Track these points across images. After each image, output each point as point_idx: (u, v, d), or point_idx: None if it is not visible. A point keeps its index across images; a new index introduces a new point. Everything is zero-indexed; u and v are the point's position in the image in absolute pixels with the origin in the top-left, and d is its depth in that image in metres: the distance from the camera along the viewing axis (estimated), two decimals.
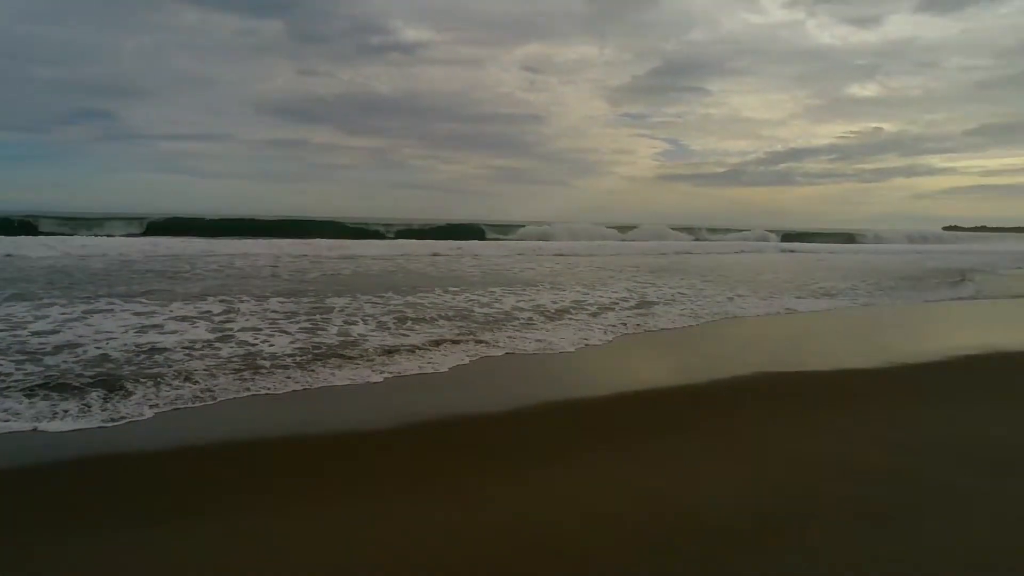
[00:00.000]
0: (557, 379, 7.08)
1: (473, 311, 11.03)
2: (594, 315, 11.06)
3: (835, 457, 4.53)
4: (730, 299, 13.78)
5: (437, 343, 8.30)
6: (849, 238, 61.95)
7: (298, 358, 7.32)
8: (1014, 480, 4.15)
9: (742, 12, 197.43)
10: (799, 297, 14.65)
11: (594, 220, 56.31)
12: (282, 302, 11.38)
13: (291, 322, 9.44)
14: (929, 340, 10.13)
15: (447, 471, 4.20)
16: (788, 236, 59.01)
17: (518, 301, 12.39)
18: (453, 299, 12.41)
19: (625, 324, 10.23)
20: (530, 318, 10.50)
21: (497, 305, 11.83)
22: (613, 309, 11.75)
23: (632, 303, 12.70)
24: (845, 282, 18.58)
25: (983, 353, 8.58)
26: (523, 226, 52.54)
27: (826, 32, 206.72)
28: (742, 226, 60.60)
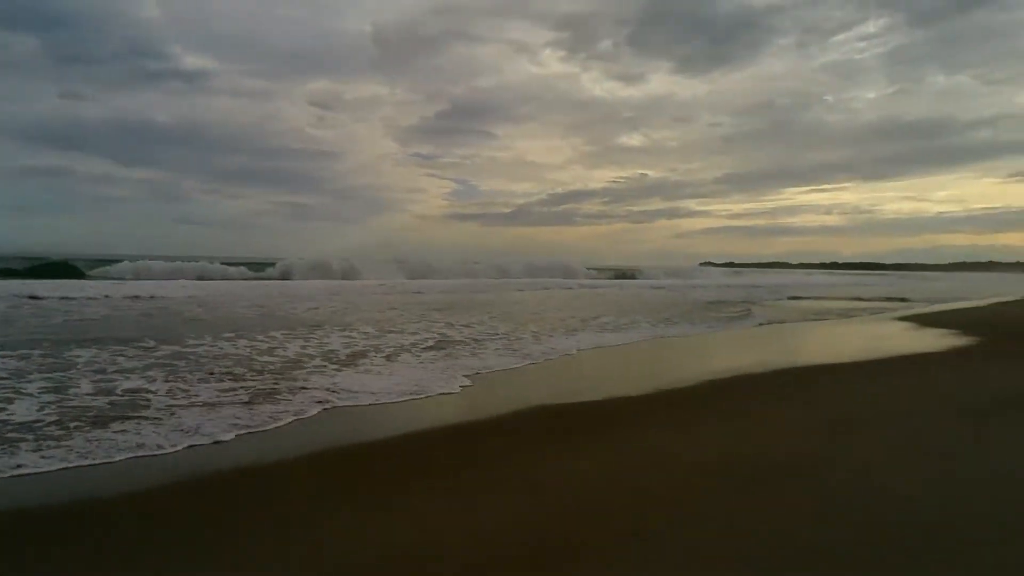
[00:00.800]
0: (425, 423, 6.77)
1: (273, 357, 10.29)
2: (416, 356, 10.98)
3: (604, 482, 4.72)
4: (536, 336, 14.24)
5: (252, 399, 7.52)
6: (621, 274, 67.74)
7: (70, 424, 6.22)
8: (762, 490, 4.50)
9: (525, 63, 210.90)
10: (611, 331, 15.60)
11: (390, 257, 55.41)
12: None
13: (25, 382, 8.06)
14: (693, 367, 11.19)
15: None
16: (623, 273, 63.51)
17: (305, 346, 11.77)
18: (233, 347, 11.45)
19: (453, 366, 10.16)
20: (324, 363, 9.99)
21: (285, 351, 11.12)
22: (412, 351, 11.62)
23: (431, 343, 12.65)
24: (653, 315, 20.50)
25: (726, 377, 9.67)
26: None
27: (598, 86, 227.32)
28: (527, 263, 63.45)
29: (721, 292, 38.49)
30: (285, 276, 43.00)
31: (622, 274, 66.90)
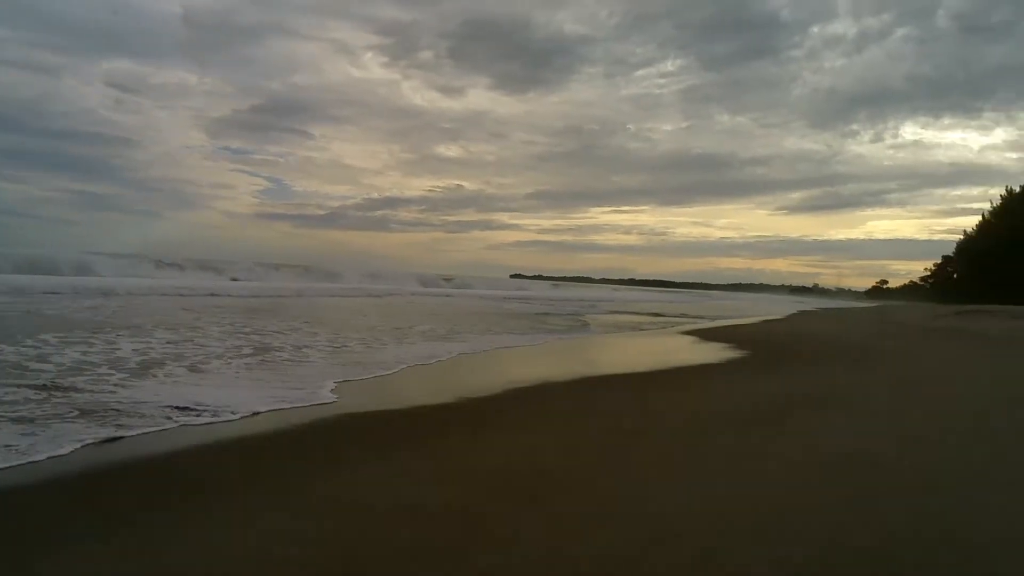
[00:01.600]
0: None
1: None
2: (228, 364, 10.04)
3: (405, 497, 4.66)
4: (369, 345, 13.82)
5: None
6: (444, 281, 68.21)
7: None
8: (545, 508, 4.52)
9: (345, 64, 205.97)
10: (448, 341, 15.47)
11: (193, 256, 51.24)
12: None
13: None
14: (504, 376, 11.51)
15: None
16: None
17: (86, 353, 10.49)
18: None
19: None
20: (113, 372, 8.94)
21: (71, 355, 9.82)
22: (225, 357, 10.81)
23: (248, 351, 11.83)
24: (496, 325, 20.92)
25: (533, 384, 10.12)
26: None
27: (418, 95, 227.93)
28: (340, 268, 61.81)
29: (548, 304, 40.23)
30: None
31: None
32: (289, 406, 7.60)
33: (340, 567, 3.49)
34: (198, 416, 6.83)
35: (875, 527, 4.11)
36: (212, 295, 29.17)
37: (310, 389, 8.61)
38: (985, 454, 6.12)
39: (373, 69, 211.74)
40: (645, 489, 4.98)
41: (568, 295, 64.08)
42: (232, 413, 7.00)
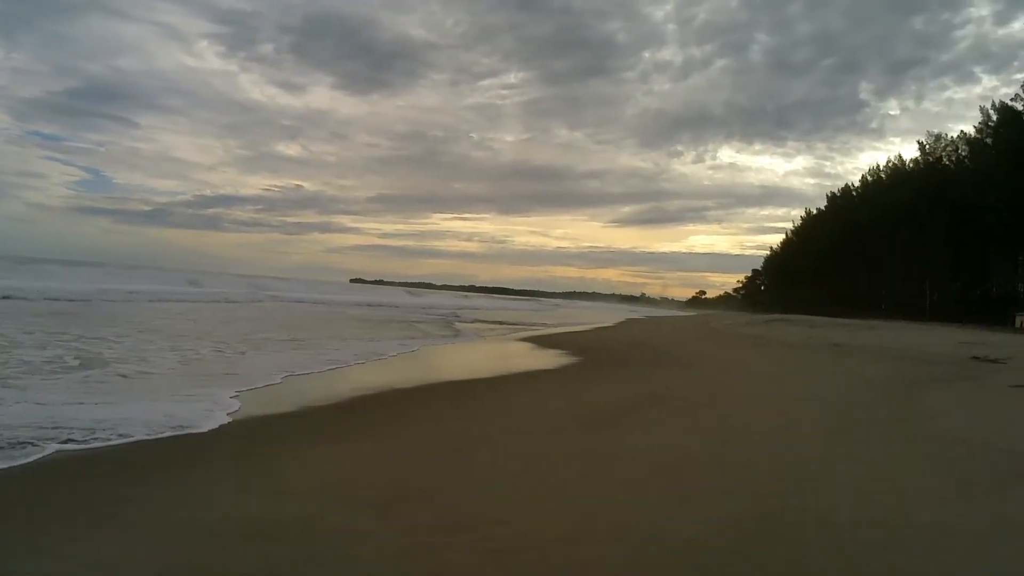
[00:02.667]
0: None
1: None
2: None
3: (248, 513, 4.43)
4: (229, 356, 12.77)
5: None
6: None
7: None
8: (396, 518, 4.39)
9: (177, 51, 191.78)
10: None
11: None
12: None
13: None
14: (354, 384, 11.21)
15: None
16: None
17: None
18: None
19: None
20: None
21: None
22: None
23: (75, 364, 10.31)
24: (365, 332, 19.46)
25: (377, 392, 10.02)
26: None
27: (257, 89, 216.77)
28: (165, 268, 57.38)
29: (422, 312, 39.72)
30: None
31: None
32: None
33: None
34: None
35: (716, 522, 4.38)
36: (5, 297, 24.48)
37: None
38: (797, 449, 6.85)
39: (208, 59, 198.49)
40: (494, 494, 5.03)
41: (431, 302, 63.75)
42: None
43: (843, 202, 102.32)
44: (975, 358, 18.32)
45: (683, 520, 4.46)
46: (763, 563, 3.75)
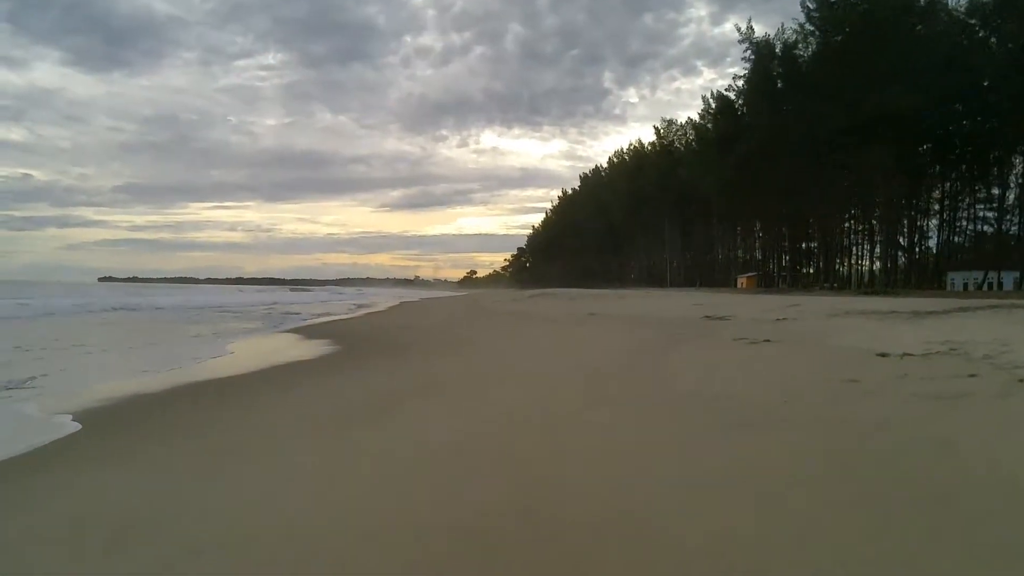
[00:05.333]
0: None
1: None
2: None
3: None
4: None
5: None
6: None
7: None
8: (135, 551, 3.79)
9: None
10: None
11: None
12: None
13: None
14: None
15: None
16: None
17: None
18: None
19: None
20: None
21: None
22: None
23: None
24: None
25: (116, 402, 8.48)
26: None
27: None
28: None
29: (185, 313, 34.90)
30: None
31: None
32: None
33: None
34: None
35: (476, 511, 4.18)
36: None
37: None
38: (559, 428, 6.83)
39: None
40: (251, 509, 4.48)
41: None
42: None
43: (594, 181, 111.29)
44: (707, 317, 20.58)
45: (446, 513, 4.31)
46: (523, 542, 3.79)
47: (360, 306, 48.33)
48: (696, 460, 5.28)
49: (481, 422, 7.19)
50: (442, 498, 4.61)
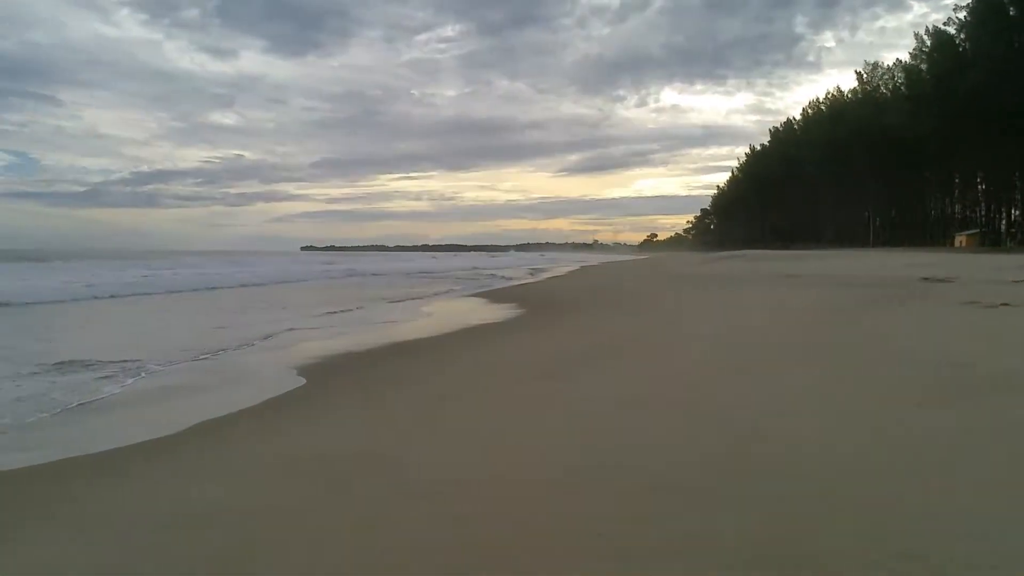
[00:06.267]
0: None
1: None
2: None
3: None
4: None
5: None
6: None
7: None
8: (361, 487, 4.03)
9: (94, 21, 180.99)
10: None
11: None
12: None
13: None
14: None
15: None
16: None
17: None
18: None
19: None
20: None
21: None
22: None
23: None
24: None
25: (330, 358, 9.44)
26: None
27: (185, 57, 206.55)
28: (102, 248, 54.92)
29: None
30: None
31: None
32: None
33: None
34: None
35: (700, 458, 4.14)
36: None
37: None
38: (764, 381, 6.54)
39: (129, 28, 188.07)
40: (460, 458, 4.63)
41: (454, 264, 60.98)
42: None
43: (785, 135, 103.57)
44: (924, 279, 18.62)
45: (658, 458, 4.28)
46: (742, 495, 3.60)
47: (541, 270, 49.32)
48: (929, 429, 4.73)
49: (672, 376, 7.06)
50: (632, 444, 4.62)
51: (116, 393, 7.24)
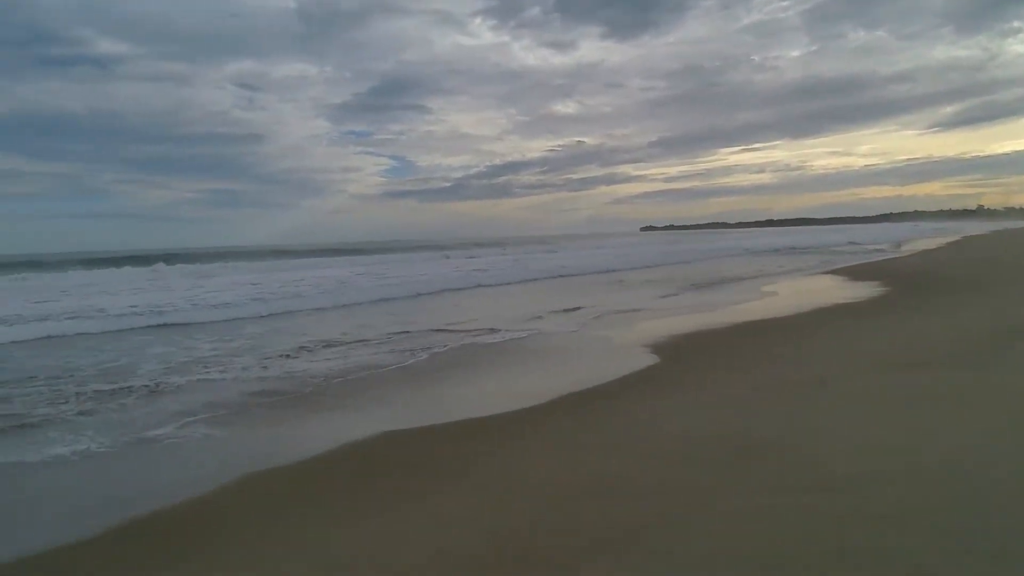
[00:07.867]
0: None
1: None
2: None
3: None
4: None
5: None
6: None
7: None
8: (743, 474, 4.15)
9: (453, 34, 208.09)
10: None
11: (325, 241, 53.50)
12: None
13: None
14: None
15: None
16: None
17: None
18: None
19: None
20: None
21: None
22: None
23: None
24: None
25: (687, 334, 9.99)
26: None
27: (530, 54, 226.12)
28: (466, 238, 62.72)
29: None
30: None
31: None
32: None
33: None
34: None
35: None
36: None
37: None
38: None
39: (482, 35, 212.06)
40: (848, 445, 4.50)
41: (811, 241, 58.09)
42: None
43: None
44: None
45: None
46: None
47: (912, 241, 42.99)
48: None
49: None
50: None
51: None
